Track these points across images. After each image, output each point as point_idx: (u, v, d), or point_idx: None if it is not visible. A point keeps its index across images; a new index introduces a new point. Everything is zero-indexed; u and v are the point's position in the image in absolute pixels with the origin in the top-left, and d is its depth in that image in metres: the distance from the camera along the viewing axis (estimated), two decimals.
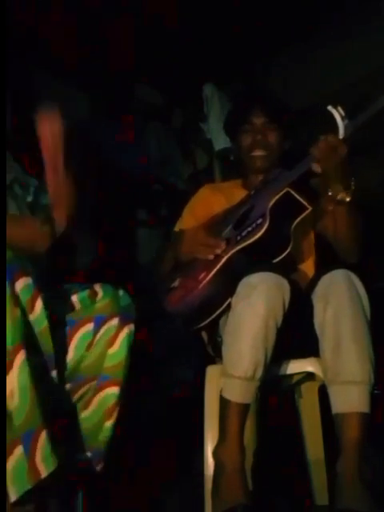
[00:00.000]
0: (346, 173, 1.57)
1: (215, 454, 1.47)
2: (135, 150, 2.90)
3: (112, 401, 1.39)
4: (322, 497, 1.69)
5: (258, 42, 2.83)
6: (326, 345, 1.48)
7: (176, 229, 1.94)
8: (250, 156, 1.86)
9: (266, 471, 1.76)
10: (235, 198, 1.88)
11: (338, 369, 1.45)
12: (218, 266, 1.65)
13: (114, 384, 1.40)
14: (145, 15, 2.58)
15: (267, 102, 1.88)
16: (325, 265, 1.73)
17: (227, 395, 1.46)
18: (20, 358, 1.22)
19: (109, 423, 1.40)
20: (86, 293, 1.44)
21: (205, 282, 1.65)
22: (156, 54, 2.80)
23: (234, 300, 1.53)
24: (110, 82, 2.92)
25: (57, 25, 2.51)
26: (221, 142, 2.92)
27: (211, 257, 1.68)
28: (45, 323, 1.29)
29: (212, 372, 1.65)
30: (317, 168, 1.56)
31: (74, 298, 1.44)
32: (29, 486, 1.17)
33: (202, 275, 1.68)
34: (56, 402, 1.29)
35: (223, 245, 1.68)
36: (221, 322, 1.65)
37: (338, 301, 1.48)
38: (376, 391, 1.47)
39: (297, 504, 1.72)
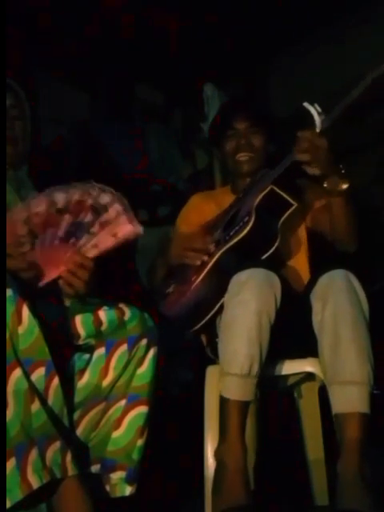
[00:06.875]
0: (333, 162, 1.58)
1: (217, 454, 1.47)
2: (135, 150, 2.90)
3: (143, 420, 1.40)
4: (322, 497, 1.69)
5: (257, 42, 2.83)
6: (324, 344, 1.48)
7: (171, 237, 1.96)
8: (235, 160, 1.88)
9: (266, 471, 1.76)
10: (225, 203, 1.89)
11: (337, 368, 1.45)
12: (208, 267, 1.68)
13: (144, 403, 1.41)
14: (145, 15, 2.59)
15: (248, 108, 1.93)
16: (321, 262, 1.73)
17: (225, 393, 1.47)
18: (15, 375, 1.23)
19: (141, 442, 1.41)
20: (113, 312, 1.42)
21: (196, 283, 1.69)
22: (156, 53, 2.80)
23: (226, 298, 1.54)
24: (110, 82, 2.92)
25: (57, 24, 2.51)
26: None
27: (198, 262, 1.71)
28: (36, 332, 1.26)
29: (212, 372, 1.65)
30: (304, 157, 1.57)
31: (102, 315, 1.43)
32: (20, 497, 1.18)
33: (194, 277, 1.71)
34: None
35: (211, 247, 1.72)
36: (217, 322, 1.65)
37: (336, 301, 1.48)
38: (376, 391, 1.47)
39: (297, 504, 1.72)
